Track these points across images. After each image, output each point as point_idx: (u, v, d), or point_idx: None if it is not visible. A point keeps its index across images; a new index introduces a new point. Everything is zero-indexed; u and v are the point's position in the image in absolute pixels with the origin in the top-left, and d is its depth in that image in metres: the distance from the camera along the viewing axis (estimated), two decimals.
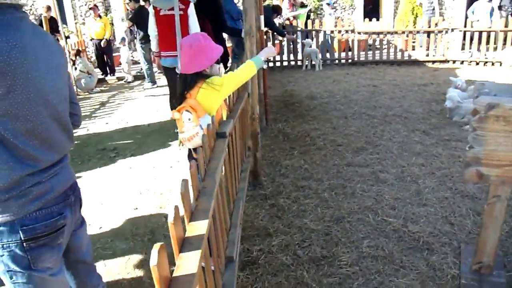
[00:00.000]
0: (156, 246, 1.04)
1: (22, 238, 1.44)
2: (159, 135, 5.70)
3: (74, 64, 8.70)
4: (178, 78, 4.39)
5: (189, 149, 2.71)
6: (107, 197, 3.99)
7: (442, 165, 4.24)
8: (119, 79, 10.11)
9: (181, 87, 2.54)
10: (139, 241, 3.26)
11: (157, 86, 8.99)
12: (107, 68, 10.33)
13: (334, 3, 12.38)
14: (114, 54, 10.56)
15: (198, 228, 1.37)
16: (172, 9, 4.73)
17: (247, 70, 2.63)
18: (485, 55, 9.66)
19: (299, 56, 10.39)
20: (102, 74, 10.10)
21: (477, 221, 3.19)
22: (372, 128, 5.46)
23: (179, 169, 4.52)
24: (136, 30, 9.06)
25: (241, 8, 6.64)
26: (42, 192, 1.47)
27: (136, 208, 3.77)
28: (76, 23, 12.10)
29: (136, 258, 3.04)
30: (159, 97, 8.02)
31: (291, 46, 10.45)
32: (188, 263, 1.18)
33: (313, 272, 2.70)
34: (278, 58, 10.41)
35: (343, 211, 3.44)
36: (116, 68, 10.51)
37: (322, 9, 12.51)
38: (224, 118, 2.80)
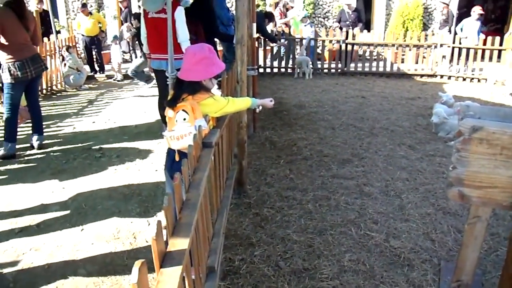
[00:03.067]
0: (137, 264, 1.04)
1: None
2: (145, 137, 5.66)
3: (63, 60, 8.61)
4: (168, 80, 4.43)
5: (168, 157, 2.73)
6: (90, 199, 3.94)
7: (426, 180, 4.29)
8: (109, 77, 10.02)
9: (175, 89, 2.63)
10: (121, 245, 3.23)
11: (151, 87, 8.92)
12: (96, 66, 10.26)
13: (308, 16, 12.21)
14: (103, 52, 10.49)
15: (180, 242, 1.36)
16: (160, 12, 4.76)
17: (244, 103, 2.92)
18: (472, 71, 9.82)
19: (290, 63, 10.44)
20: (91, 72, 10.01)
21: (457, 238, 3.24)
22: (358, 140, 5.50)
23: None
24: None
25: (233, 14, 6.67)
26: None
27: (119, 211, 3.73)
28: (68, 18, 11.99)
29: (117, 262, 3.01)
30: (148, 98, 7.97)
31: (281, 52, 10.49)
32: (169, 279, 1.18)
33: (294, 285, 2.71)
34: (268, 64, 10.45)
35: (326, 224, 3.46)
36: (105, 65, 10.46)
37: (315, 17, 12.58)
38: (210, 128, 2.84)
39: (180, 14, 4.77)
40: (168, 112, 2.60)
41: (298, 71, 10.07)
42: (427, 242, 3.19)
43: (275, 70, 10.44)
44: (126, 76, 9.90)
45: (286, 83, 9.33)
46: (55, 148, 5.28)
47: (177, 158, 2.58)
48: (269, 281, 2.75)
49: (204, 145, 2.39)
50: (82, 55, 10.68)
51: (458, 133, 2.36)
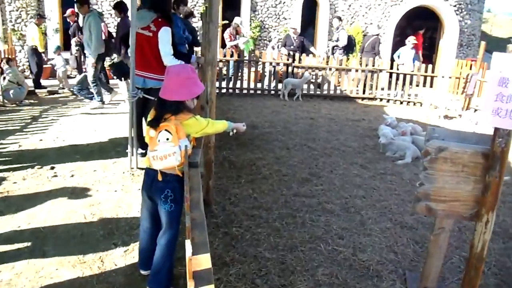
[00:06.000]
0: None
1: None
2: (99, 157, 5.47)
3: (2, 73, 8.14)
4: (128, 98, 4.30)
5: (147, 177, 2.71)
6: (49, 222, 3.74)
7: (381, 197, 4.56)
8: (50, 93, 9.58)
9: (157, 109, 2.62)
10: (88, 269, 3.11)
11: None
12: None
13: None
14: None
15: (203, 261, 1.40)
16: (145, 28, 4.42)
17: (221, 125, 2.92)
18: (409, 95, 10.58)
19: (238, 84, 10.63)
20: (35, 87, 9.53)
21: (416, 250, 3.49)
22: (313, 160, 5.72)
23: (125, 194, 4.39)
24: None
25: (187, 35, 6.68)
26: None
27: (82, 234, 3.59)
28: (4, 28, 11.33)
29: (86, 287, 2.90)
30: (96, 116, 7.73)
31: (229, 73, 10.66)
32: None
33: None
34: (217, 84, 10.54)
35: (296, 240, 3.57)
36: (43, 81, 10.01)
37: (261, 40, 12.94)
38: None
39: (165, 34, 4.39)
40: (150, 131, 2.60)
41: (284, 92, 10.27)
42: (391, 254, 3.41)
43: (223, 90, 10.56)
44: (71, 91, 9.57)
45: (236, 104, 9.48)
46: (0, 167, 4.96)
47: (159, 178, 2.57)
48: None
49: (191, 165, 2.42)
50: (20, 68, 10.12)
51: (425, 152, 2.60)
